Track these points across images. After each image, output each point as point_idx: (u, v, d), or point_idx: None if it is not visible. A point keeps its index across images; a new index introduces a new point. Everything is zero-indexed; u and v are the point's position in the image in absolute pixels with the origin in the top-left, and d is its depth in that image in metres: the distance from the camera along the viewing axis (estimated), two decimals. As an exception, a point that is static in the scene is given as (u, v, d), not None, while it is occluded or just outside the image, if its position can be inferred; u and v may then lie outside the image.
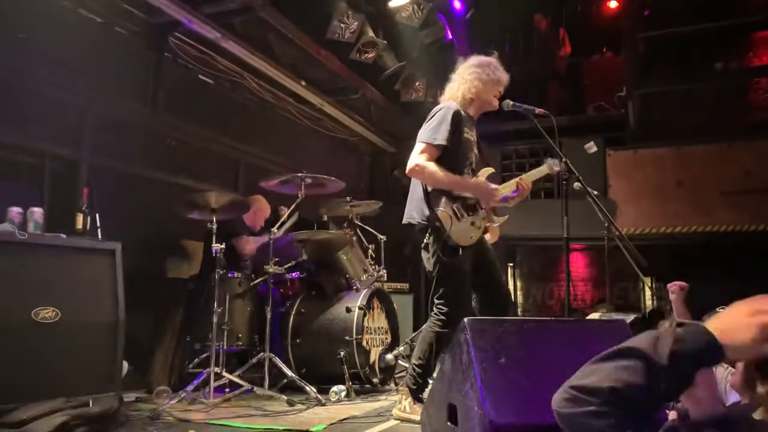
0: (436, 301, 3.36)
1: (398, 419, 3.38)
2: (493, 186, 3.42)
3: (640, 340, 1.00)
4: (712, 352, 0.96)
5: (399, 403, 3.43)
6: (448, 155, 3.37)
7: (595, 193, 3.53)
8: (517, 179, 3.51)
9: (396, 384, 4.66)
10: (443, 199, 3.32)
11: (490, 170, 3.57)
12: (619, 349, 1.01)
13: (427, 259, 3.37)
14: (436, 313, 3.35)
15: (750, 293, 1.06)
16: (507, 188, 3.51)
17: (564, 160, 3.44)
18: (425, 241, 3.34)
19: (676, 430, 1.06)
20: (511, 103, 3.48)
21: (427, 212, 3.31)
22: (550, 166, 3.51)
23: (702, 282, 3.70)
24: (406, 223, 3.46)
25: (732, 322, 0.98)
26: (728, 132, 8.37)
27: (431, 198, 3.33)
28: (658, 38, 9.22)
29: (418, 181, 3.43)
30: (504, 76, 3.55)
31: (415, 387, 3.38)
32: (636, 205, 7.92)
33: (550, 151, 3.59)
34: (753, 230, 7.66)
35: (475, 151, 3.56)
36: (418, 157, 3.34)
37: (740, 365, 1.30)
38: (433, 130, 3.37)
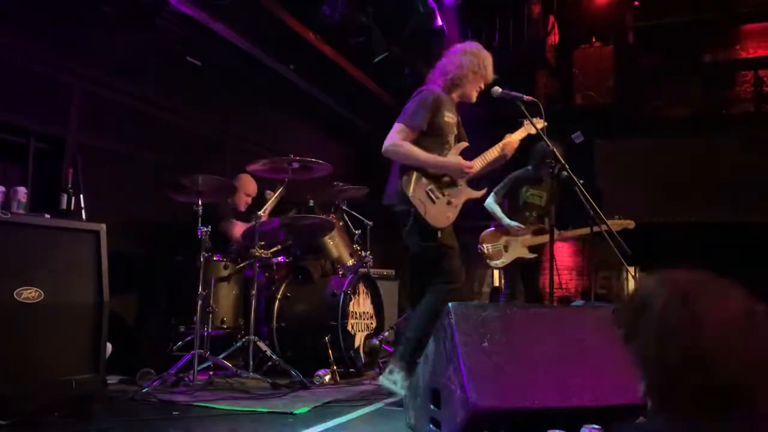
0: (435, 280, 3.37)
1: (381, 385, 3.34)
2: (466, 162, 3.44)
3: None
4: None
5: (390, 373, 3.30)
6: (426, 138, 3.40)
7: (581, 182, 3.55)
8: (502, 143, 3.60)
9: (380, 369, 4.67)
10: (417, 182, 3.34)
11: (463, 145, 3.60)
12: None
13: (414, 243, 3.40)
14: (439, 289, 3.35)
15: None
16: (488, 156, 3.57)
17: (551, 148, 3.47)
18: (408, 225, 3.37)
19: None
20: (500, 90, 3.49)
21: (403, 196, 3.34)
22: (531, 125, 3.63)
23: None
24: (387, 204, 3.48)
25: None
26: (714, 123, 8.45)
27: (404, 181, 3.35)
28: (647, 29, 9.26)
29: (396, 162, 3.45)
30: (490, 75, 3.58)
31: (410, 359, 3.25)
32: (622, 195, 7.97)
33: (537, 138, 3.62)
34: (734, 221, 7.74)
35: (456, 132, 3.59)
36: (393, 138, 3.37)
37: None
38: (411, 112, 3.40)
